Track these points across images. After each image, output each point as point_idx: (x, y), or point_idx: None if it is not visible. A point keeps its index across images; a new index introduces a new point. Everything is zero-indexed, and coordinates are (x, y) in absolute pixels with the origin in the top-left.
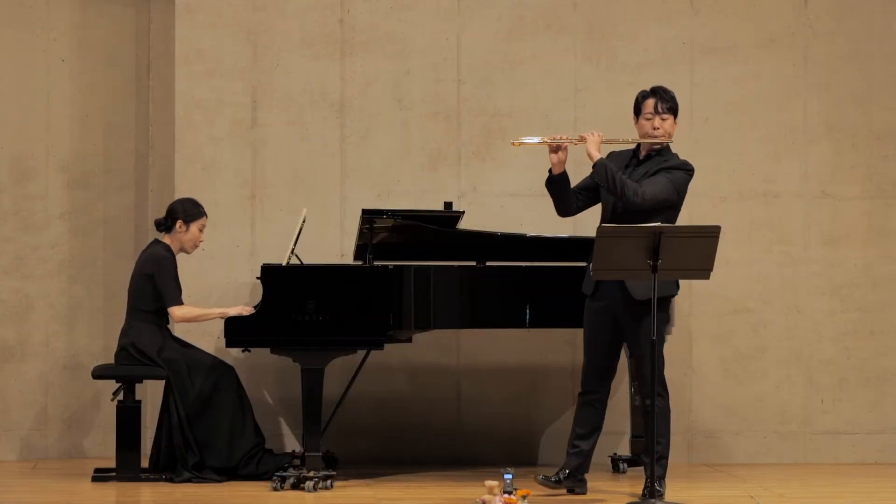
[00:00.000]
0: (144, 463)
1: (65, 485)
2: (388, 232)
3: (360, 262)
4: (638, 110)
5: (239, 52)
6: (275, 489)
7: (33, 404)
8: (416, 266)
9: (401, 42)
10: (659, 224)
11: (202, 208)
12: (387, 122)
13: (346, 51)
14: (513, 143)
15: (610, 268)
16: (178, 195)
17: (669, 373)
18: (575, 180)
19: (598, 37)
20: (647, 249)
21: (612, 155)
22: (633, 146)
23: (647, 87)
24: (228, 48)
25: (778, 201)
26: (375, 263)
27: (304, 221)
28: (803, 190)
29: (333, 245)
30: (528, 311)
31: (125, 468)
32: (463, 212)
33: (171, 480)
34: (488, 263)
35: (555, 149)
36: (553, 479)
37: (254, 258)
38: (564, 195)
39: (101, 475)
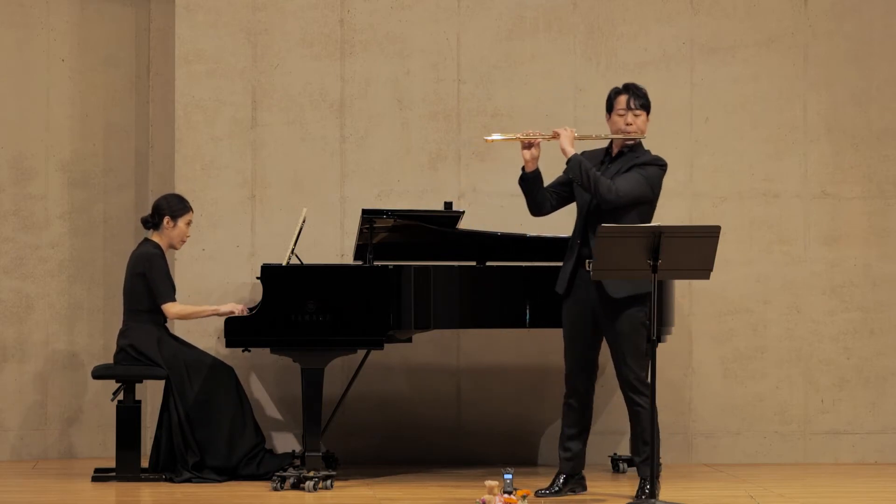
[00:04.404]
0: (144, 463)
1: (65, 485)
2: (388, 232)
3: (360, 262)
4: (610, 107)
5: (239, 52)
6: (275, 489)
7: (33, 404)
8: (416, 266)
9: (401, 42)
10: (659, 224)
11: (188, 203)
12: (387, 122)
13: (346, 51)
14: (486, 140)
15: (610, 268)
16: None
17: (669, 373)
18: (549, 178)
19: (598, 37)
20: (647, 249)
21: (584, 154)
22: (606, 143)
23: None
24: (228, 48)
25: (778, 201)
26: (375, 263)
27: (304, 221)
28: (803, 190)
29: (333, 245)
30: (528, 311)
31: (125, 468)
32: (463, 212)
33: (171, 480)
34: (488, 263)
35: (527, 145)
36: (555, 490)
37: (254, 258)
38: (537, 193)
39: (101, 475)
